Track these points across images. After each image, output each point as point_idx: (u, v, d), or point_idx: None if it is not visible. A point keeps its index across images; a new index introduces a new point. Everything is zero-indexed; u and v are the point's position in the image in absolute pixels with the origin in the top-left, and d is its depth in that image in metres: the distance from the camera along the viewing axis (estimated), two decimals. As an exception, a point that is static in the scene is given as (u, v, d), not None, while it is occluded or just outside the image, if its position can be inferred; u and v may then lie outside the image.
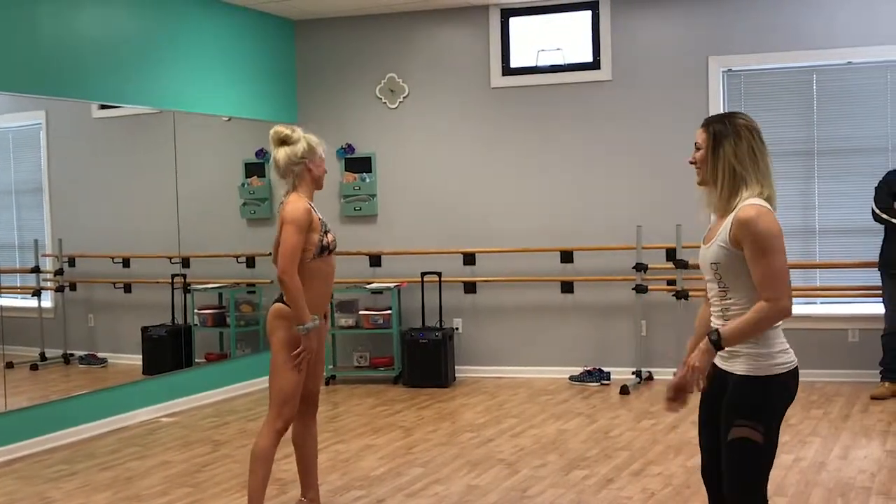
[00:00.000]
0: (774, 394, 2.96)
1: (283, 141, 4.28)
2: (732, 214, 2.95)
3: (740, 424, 2.94)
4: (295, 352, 4.21)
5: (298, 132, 4.31)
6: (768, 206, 2.95)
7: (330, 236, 4.31)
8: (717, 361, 3.05)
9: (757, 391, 2.94)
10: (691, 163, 3.10)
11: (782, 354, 2.97)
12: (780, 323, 2.99)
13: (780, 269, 2.89)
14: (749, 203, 2.94)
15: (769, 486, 4.87)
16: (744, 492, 2.98)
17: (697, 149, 3.07)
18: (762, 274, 2.89)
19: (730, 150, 2.98)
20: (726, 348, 2.96)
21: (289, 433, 4.47)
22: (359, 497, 4.98)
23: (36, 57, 6.25)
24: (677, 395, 3.03)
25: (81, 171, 7.22)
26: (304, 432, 4.55)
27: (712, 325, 3.07)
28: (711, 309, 3.11)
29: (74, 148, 7.15)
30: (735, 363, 2.99)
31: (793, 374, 2.99)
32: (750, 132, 3.00)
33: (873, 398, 6.92)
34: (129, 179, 7.47)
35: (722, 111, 7.69)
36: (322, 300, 4.35)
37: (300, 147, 4.27)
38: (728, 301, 3.01)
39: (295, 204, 4.21)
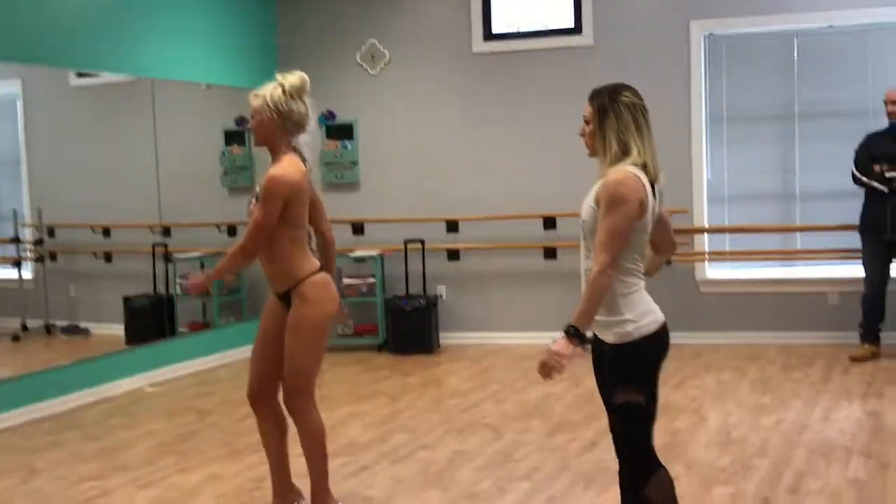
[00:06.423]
0: (644, 357, 3.04)
1: None
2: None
3: (621, 390, 3.04)
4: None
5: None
6: (640, 174, 2.95)
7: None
8: (595, 329, 3.09)
9: (629, 357, 3.03)
10: (581, 135, 3.12)
11: (644, 316, 3.01)
12: (640, 286, 3.03)
13: (613, 233, 2.91)
14: (620, 167, 2.96)
15: (753, 448, 4.90)
16: (637, 451, 3.09)
17: (587, 122, 3.09)
18: (599, 235, 2.93)
19: (612, 123, 3.01)
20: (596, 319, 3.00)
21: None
22: (345, 463, 5.00)
23: (11, 24, 6.16)
24: (546, 373, 3.02)
25: (59, 140, 7.14)
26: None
27: (582, 286, 3.06)
28: (582, 269, 3.10)
29: (52, 117, 7.07)
30: (606, 333, 3.07)
31: (658, 334, 3.03)
32: (633, 108, 3.01)
33: (853, 360, 6.99)
34: (108, 148, 7.40)
35: (702, 76, 7.79)
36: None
37: None
38: (590, 262, 3.01)
39: None
